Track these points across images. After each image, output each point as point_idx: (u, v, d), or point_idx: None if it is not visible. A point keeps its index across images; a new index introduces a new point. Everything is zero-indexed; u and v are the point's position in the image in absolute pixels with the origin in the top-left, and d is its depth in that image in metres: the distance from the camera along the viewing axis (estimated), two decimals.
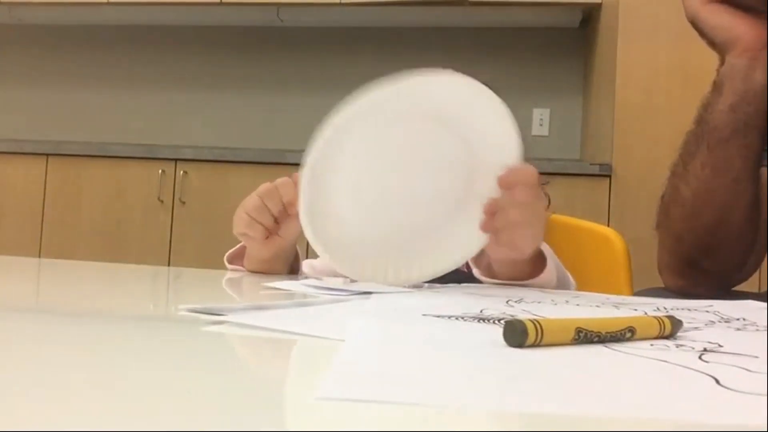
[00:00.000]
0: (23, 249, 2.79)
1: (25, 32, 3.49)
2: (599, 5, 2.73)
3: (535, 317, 0.45)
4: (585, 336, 0.38)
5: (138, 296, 0.68)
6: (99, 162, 2.82)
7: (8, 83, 3.50)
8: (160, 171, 2.76)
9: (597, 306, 0.56)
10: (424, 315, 0.47)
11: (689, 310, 0.56)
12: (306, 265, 0.92)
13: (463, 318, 0.46)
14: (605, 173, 2.44)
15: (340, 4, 2.89)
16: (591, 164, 2.51)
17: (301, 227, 0.77)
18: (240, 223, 0.77)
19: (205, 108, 3.35)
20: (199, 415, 0.25)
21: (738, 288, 0.99)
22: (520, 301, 0.57)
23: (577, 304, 0.57)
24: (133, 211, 2.79)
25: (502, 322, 0.44)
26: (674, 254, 0.89)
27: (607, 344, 0.39)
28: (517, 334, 0.36)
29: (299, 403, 0.28)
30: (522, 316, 0.48)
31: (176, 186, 2.76)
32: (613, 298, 0.66)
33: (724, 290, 0.90)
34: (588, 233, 1.04)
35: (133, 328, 0.45)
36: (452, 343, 0.39)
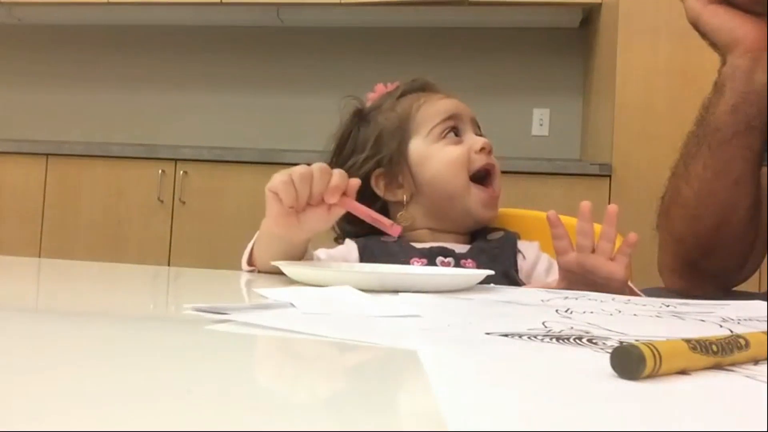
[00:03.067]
0: (23, 249, 2.79)
1: (25, 32, 3.49)
2: (599, 5, 2.73)
3: (609, 331, 0.42)
4: (701, 347, 0.33)
5: (138, 296, 0.68)
6: (99, 162, 2.82)
7: (8, 83, 3.50)
8: (160, 171, 2.76)
9: (657, 316, 0.53)
10: (488, 334, 0.41)
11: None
12: (323, 252, 0.92)
13: (535, 336, 0.41)
14: (605, 173, 2.44)
15: (340, 4, 2.89)
16: (591, 164, 2.51)
17: (322, 224, 0.75)
18: (279, 179, 0.73)
19: (205, 108, 3.35)
20: (200, 414, 0.25)
21: (738, 288, 0.99)
22: (569, 311, 0.53)
23: (634, 314, 0.53)
24: (133, 211, 2.79)
25: (584, 340, 0.40)
26: (674, 255, 0.89)
27: (734, 368, 0.33)
28: (633, 365, 0.31)
29: (303, 402, 0.28)
30: (594, 331, 0.43)
31: (176, 186, 2.76)
32: (653, 300, 0.65)
33: (724, 291, 0.90)
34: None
35: (134, 327, 0.45)
36: (551, 375, 0.33)
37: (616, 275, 0.74)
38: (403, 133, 0.97)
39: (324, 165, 0.73)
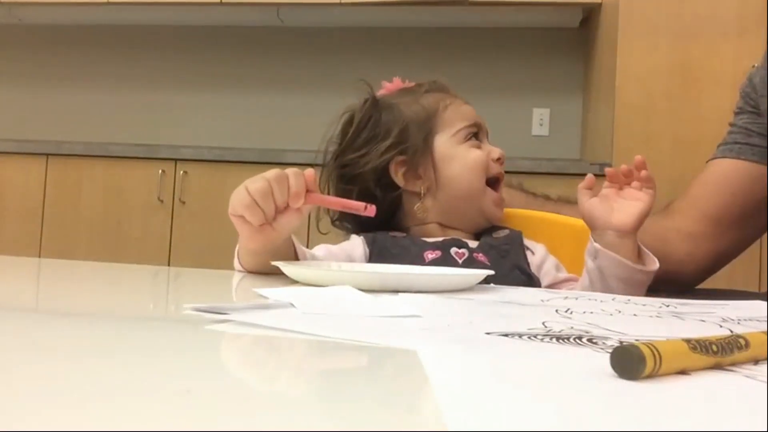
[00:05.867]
0: (23, 249, 2.79)
1: (25, 32, 3.49)
2: (599, 5, 2.73)
3: (609, 331, 0.43)
4: (701, 347, 0.33)
5: (138, 296, 0.68)
6: (99, 162, 2.82)
7: (8, 83, 3.50)
8: (160, 171, 2.76)
9: (657, 316, 0.53)
10: (488, 334, 0.41)
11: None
12: (323, 249, 0.92)
13: (535, 336, 0.41)
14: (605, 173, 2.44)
15: (340, 4, 2.89)
16: (591, 164, 2.51)
17: (296, 223, 0.75)
18: (240, 204, 0.72)
19: (205, 108, 3.34)
20: (200, 414, 0.25)
21: (738, 288, 1.01)
22: (569, 311, 0.53)
23: (634, 314, 0.54)
24: (133, 211, 2.79)
25: (584, 340, 0.40)
26: None
27: (734, 368, 0.33)
28: (633, 365, 0.30)
29: (302, 402, 0.28)
30: (594, 331, 0.43)
31: (176, 186, 2.76)
32: (651, 300, 0.65)
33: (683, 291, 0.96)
34: (588, 233, 1.04)
35: (134, 327, 0.45)
36: (551, 375, 0.33)
37: (644, 199, 0.86)
38: (429, 127, 1.00)
39: (279, 173, 0.73)
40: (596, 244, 0.86)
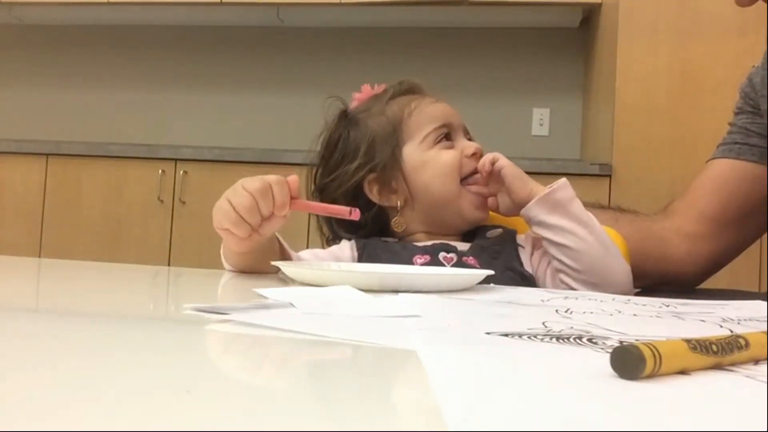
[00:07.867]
0: (23, 249, 2.79)
1: (25, 32, 3.49)
2: (599, 5, 2.73)
3: (609, 331, 0.43)
4: (701, 347, 0.33)
5: (138, 296, 0.68)
6: (99, 162, 2.82)
7: (8, 83, 3.50)
8: (160, 171, 2.76)
9: (657, 316, 0.53)
10: (488, 333, 0.41)
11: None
12: (309, 253, 0.92)
13: (535, 336, 0.41)
14: (605, 173, 2.44)
15: (340, 4, 2.89)
16: (591, 164, 2.51)
17: (280, 225, 0.76)
18: (225, 218, 0.74)
19: (205, 108, 3.34)
20: (199, 414, 0.25)
21: (738, 288, 1.02)
22: (569, 311, 0.53)
23: (634, 314, 0.53)
24: (133, 211, 2.79)
25: (584, 340, 0.40)
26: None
27: (734, 368, 0.33)
28: (633, 365, 0.31)
29: (302, 402, 0.28)
30: (594, 331, 0.43)
31: (176, 186, 2.76)
32: (650, 300, 0.65)
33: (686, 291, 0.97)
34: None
35: (134, 327, 0.45)
36: (552, 375, 0.33)
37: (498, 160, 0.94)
38: (396, 139, 0.97)
39: (262, 184, 0.74)
40: (522, 213, 0.91)
